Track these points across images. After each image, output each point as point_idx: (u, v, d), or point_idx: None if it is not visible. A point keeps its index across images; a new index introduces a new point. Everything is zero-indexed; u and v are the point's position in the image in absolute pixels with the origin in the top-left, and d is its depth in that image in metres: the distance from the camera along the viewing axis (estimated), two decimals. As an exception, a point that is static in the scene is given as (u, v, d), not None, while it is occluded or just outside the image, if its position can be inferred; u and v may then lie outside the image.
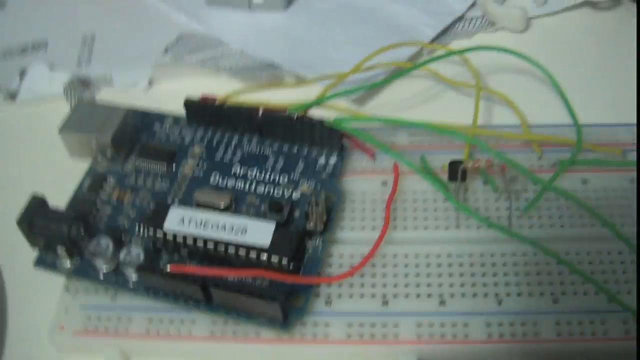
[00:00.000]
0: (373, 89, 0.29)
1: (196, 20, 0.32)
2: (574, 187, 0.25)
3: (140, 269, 0.22)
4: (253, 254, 0.22)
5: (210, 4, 0.33)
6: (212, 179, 0.25)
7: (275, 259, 0.22)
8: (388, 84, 0.30)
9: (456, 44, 0.32)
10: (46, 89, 0.31)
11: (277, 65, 0.30)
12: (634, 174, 0.25)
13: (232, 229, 0.22)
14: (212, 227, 0.22)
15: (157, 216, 0.23)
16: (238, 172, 0.25)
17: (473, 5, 0.32)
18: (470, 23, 0.32)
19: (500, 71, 0.30)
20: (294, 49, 0.31)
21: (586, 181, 0.25)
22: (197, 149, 0.26)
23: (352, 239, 0.24)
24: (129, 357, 0.23)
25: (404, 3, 0.32)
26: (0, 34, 0.34)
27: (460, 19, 0.32)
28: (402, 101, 0.30)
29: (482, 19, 0.32)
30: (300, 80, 0.29)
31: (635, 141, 0.26)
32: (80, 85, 0.31)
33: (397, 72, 0.29)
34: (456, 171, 0.24)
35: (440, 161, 0.26)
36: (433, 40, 0.31)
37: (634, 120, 0.27)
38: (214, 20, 0.32)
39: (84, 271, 0.23)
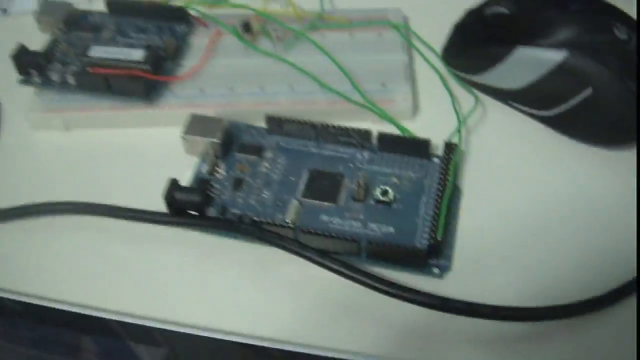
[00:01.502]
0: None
1: None
2: (318, 39, 0.45)
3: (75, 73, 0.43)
4: (132, 64, 0.42)
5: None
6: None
7: (144, 66, 0.42)
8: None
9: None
10: (30, 7, 0.50)
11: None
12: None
13: (120, 53, 0.43)
14: (111, 53, 0.43)
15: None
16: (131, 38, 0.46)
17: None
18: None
19: None
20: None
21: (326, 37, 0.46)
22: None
23: (189, 65, 0.44)
24: (69, 128, 0.43)
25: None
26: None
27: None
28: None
29: None
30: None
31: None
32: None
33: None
34: (246, 26, 0.45)
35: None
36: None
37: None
38: None
39: (46, 84, 0.44)
